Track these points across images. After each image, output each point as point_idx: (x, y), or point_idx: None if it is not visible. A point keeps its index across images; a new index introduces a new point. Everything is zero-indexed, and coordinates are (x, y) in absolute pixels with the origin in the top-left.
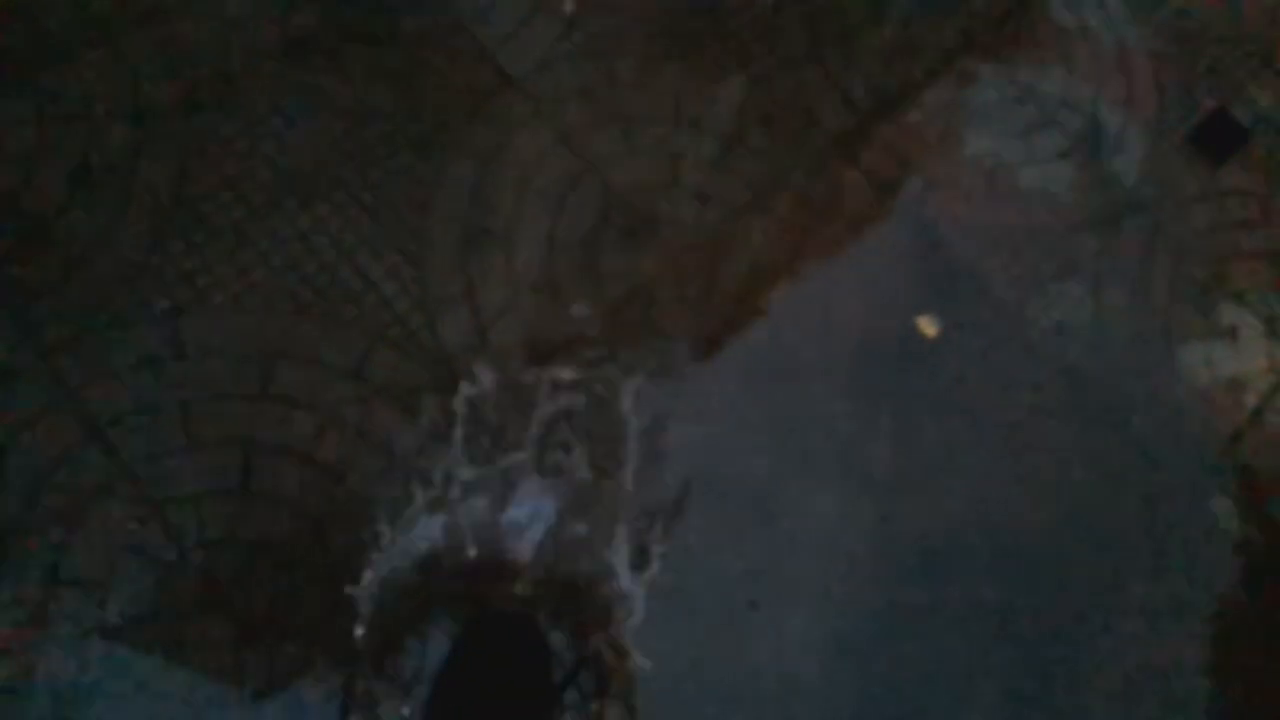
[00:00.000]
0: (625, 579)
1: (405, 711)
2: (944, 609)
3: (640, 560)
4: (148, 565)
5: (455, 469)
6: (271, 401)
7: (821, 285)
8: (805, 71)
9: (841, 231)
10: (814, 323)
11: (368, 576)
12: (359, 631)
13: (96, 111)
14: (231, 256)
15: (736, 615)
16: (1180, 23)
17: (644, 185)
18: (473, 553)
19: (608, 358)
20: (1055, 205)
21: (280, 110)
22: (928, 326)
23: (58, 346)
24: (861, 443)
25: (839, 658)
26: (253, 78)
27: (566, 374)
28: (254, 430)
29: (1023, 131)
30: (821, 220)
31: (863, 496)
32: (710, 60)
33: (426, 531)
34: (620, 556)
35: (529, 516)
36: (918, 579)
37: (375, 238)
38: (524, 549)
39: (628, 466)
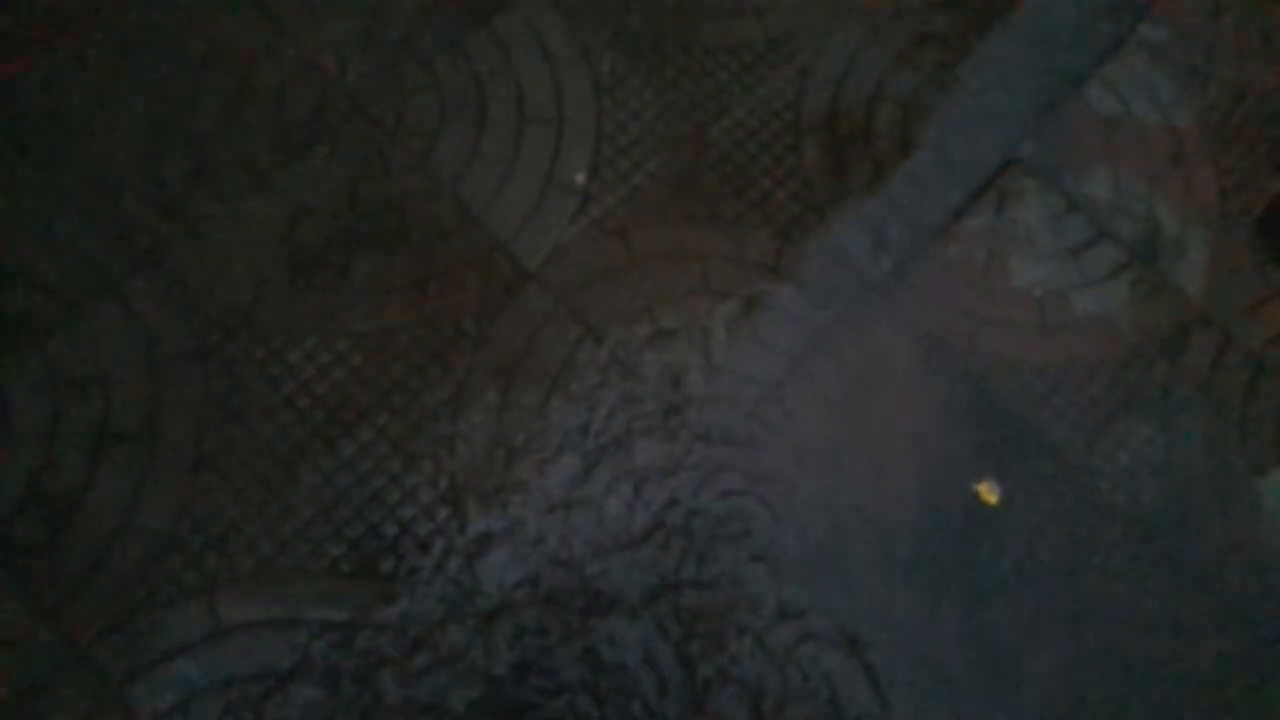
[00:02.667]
0: None
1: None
2: None
3: None
4: None
5: None
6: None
7: (868, 461)
8: (834, 211)
9: (885, 396)
10: (863, 505)
11: None
12: None
13: (112, 370)
14: (260, 513)
15: None
16: (1236, 95)
17: (674, 366)
18: None
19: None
20: (1115, 331)
21: (295, 344)
22: (988, 493)
23: (96, 642)
24: (928, 640)
25: None
26: (264, 309)
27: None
28: None
29: (1073, 249)
30: (861, 384)
31: (933, 703)
32: (738, 214)
33: None
34: None
35: None
36: None
37: (405, 475)
38: None
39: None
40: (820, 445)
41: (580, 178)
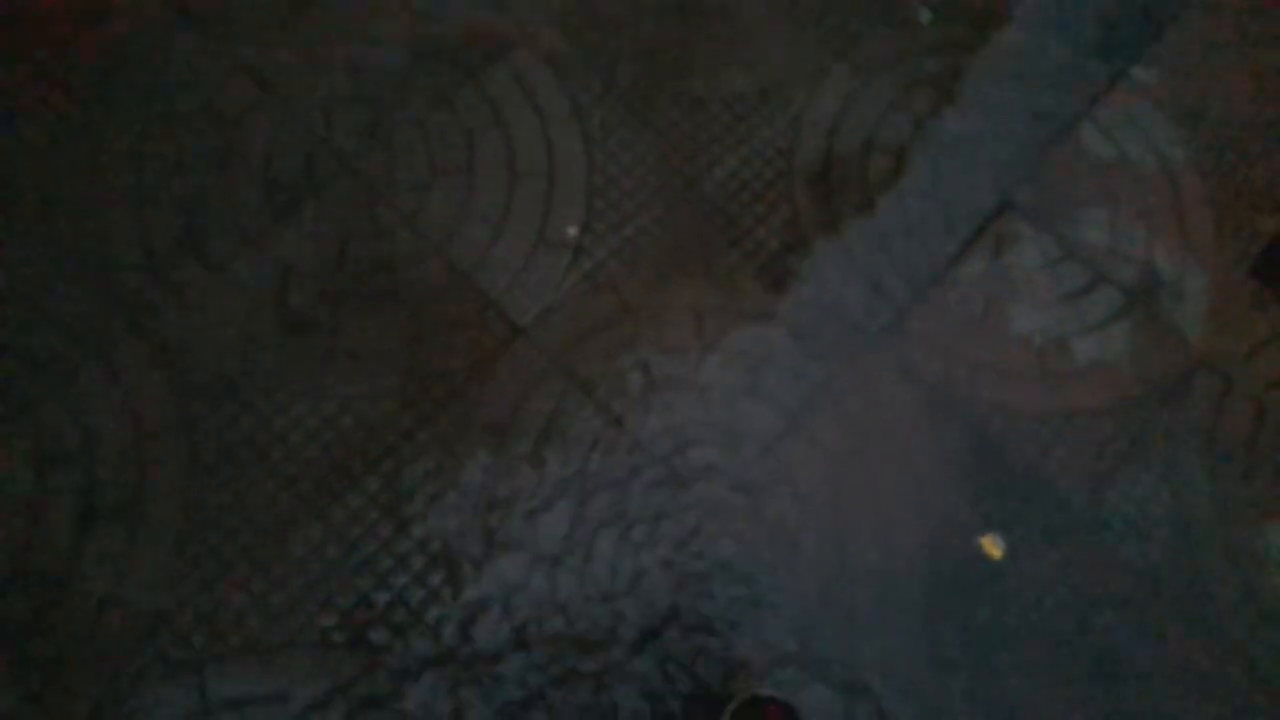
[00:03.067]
0: None
1: None
2: None
3: None
4: None
5: None
6: None
7: (870, 513)
8: (830, 262)
9: (885, 447)
10: (866, 556)
11: None
12: None
13: (99, 441)
14: (249, 586)
15: None
16: (1227, 132)
17: (669, 421)
18: None
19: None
20: (1116, 377)
21: (283, 410)
22: (993, 547)
23: None
24: (934, 693)
25: None
26: (253, 374)
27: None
28: None
29: (1071, 295)
30: (861, 436)
31: None
32: (732, 266)
33: None
34: None
35: None
36: None
37: (396, 541)
38: None
39: None
40: (821, 496)
41: (572, 232)
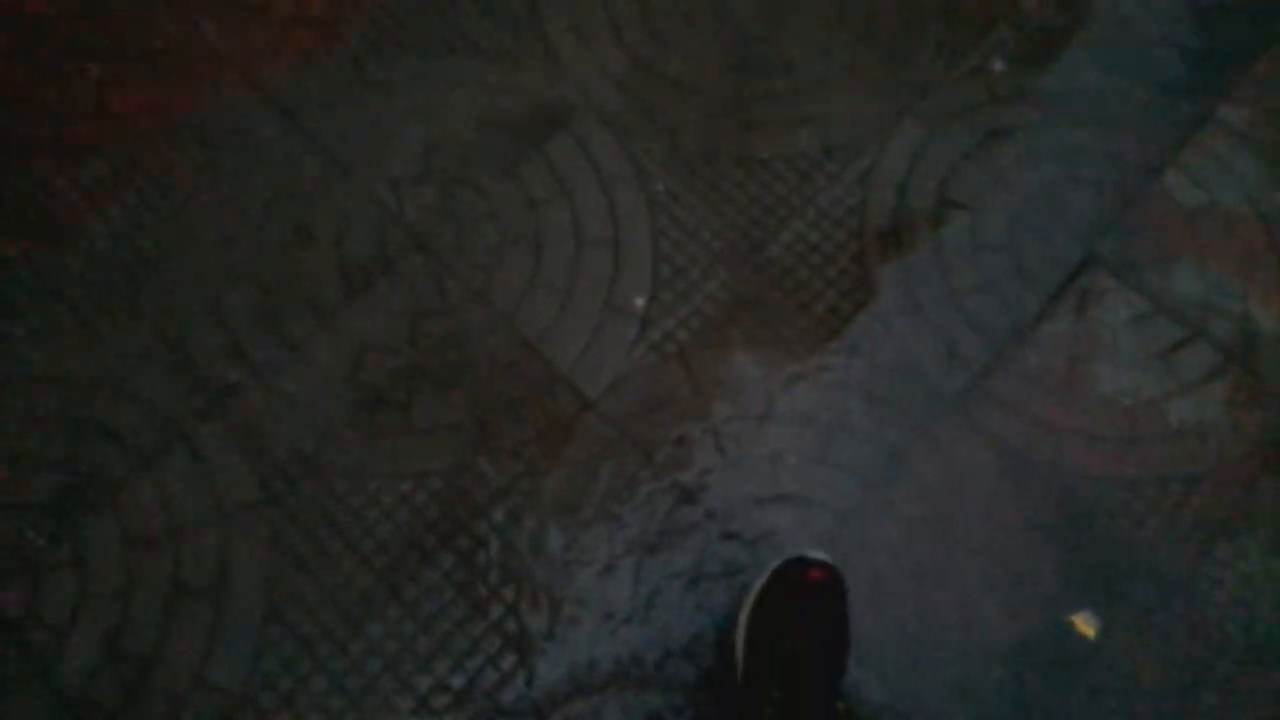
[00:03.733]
0: None
1: None
2: None
3: None
4: None
5: None
6: None
7: (950, 588)
8: (900, 323)
9: (966, 518)
10: (947, 634)
11: None
12: None
13: (184, 522)
14: (328, 667)
15: None
16: None
17: (742, 494)
18: None
19: None
20: (1214, 441)
21: (360, 488)
22: (1085, 625)
23: None
24: None
25: None
26: (329, 452)
27: None
28: None
29: (1162, 353)
30: (940, 506)
31: None
32: (803, 331)
33: None
34: None
35: None
36: None
37: (470, 622)
38: None
39: None
40: (899, 569)
41: (639, 301)
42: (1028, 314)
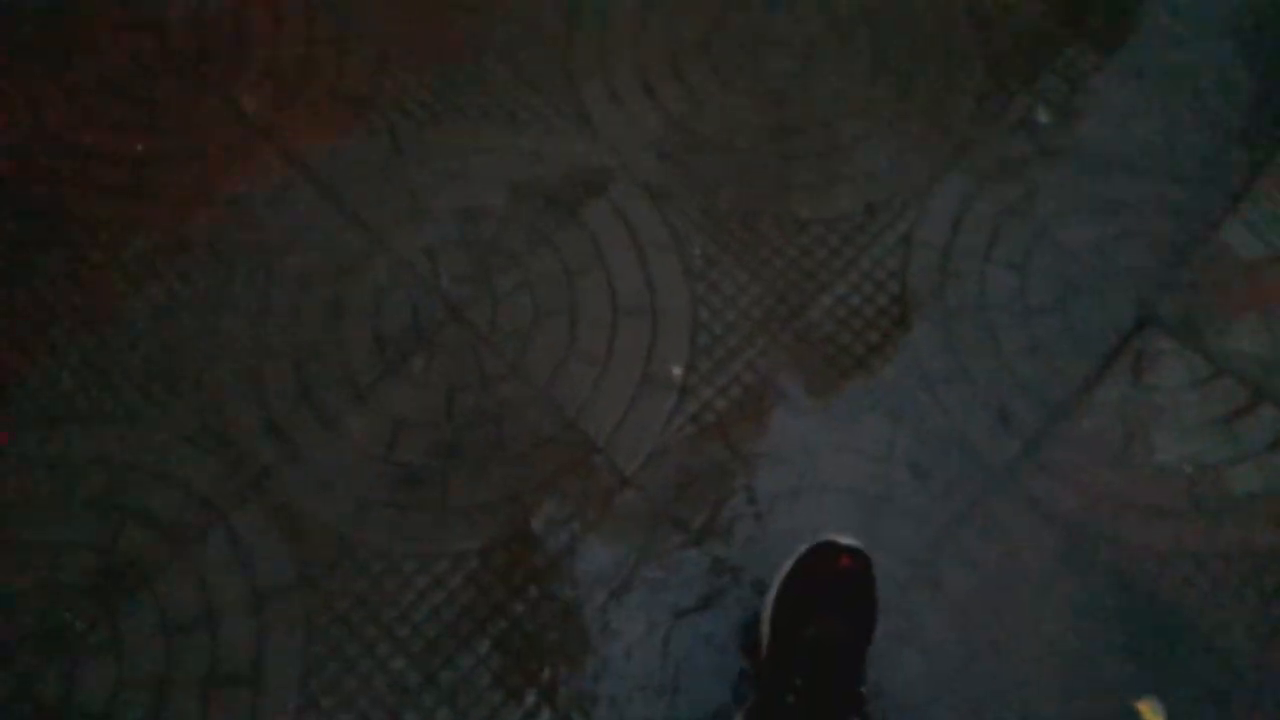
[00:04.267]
0: None
1: None
2: None
3: None
4: None
5: None
6: None
7: (1006, 672)
8: (947, 391)
9: (1021, 597)
10: None
11: None
12: None
13: (221, 606)
14: None
15: None
16: None
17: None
18: None
19: None
20: None
21: (395, 569)
22: (1152, 714)
23: None
24: None
25: None
26: (365, 533)
27: None
28: None
29: (1225, 417)
30: (994, 584)
31: None
32: (846, 399)
33: None
34: None
35: None
36: None
37: (506, 708)
38: None
39: None
40: (949, 652)
41: (676, 371)
42: (1081, 378)
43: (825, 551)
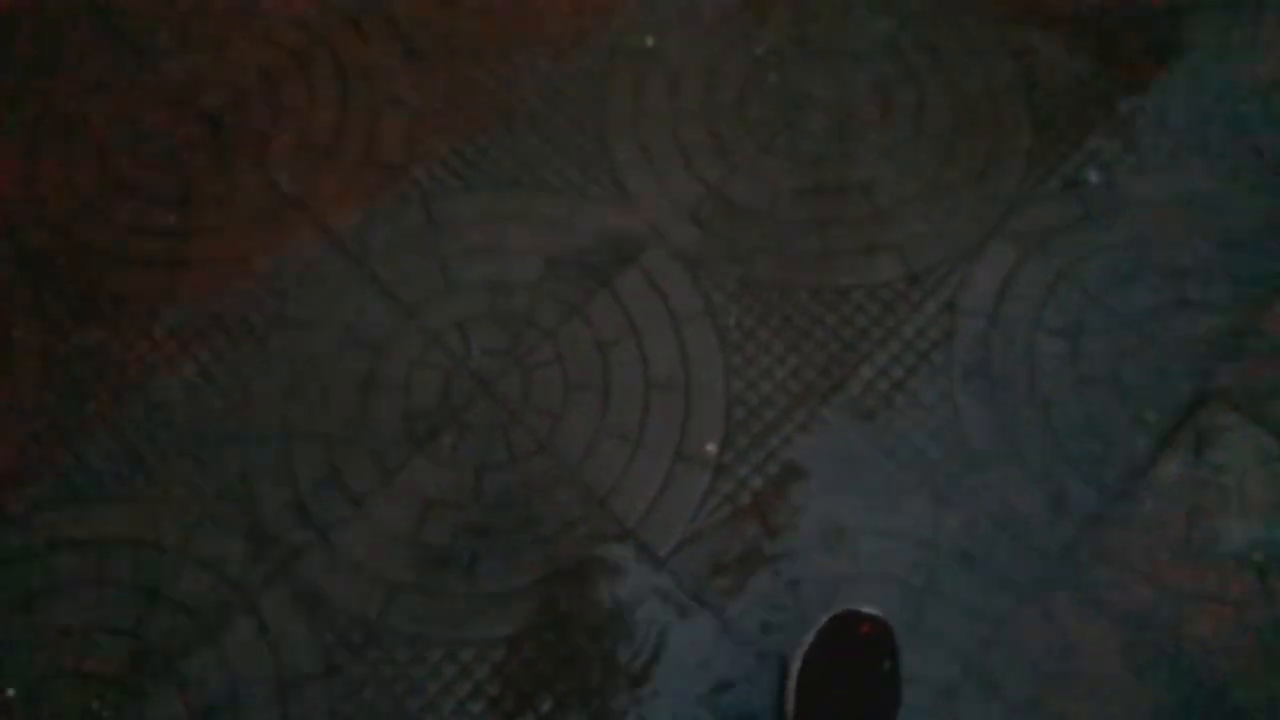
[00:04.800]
0: None
1: None
2: None
3: None
4: None
5: None
6: None
7: None
8: (996, 472)
9: (1080, 697)
10: None
11: None
12: None
13: (247, 691)
14: None
15: None
16: None
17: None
18: None
19: None
20: None
21: (421, 658)
22: None
23: None
24: None
25: None
26: (391, 618)
27: None
28: None
29: None
30: (1050, 684)
31: None
32: (888, 480)
33: None
34: None
35: None
36: None
37: None
38: None
39: None
40: None
41: (710, 447)
42: (1139, 457)
43: (846, 620)
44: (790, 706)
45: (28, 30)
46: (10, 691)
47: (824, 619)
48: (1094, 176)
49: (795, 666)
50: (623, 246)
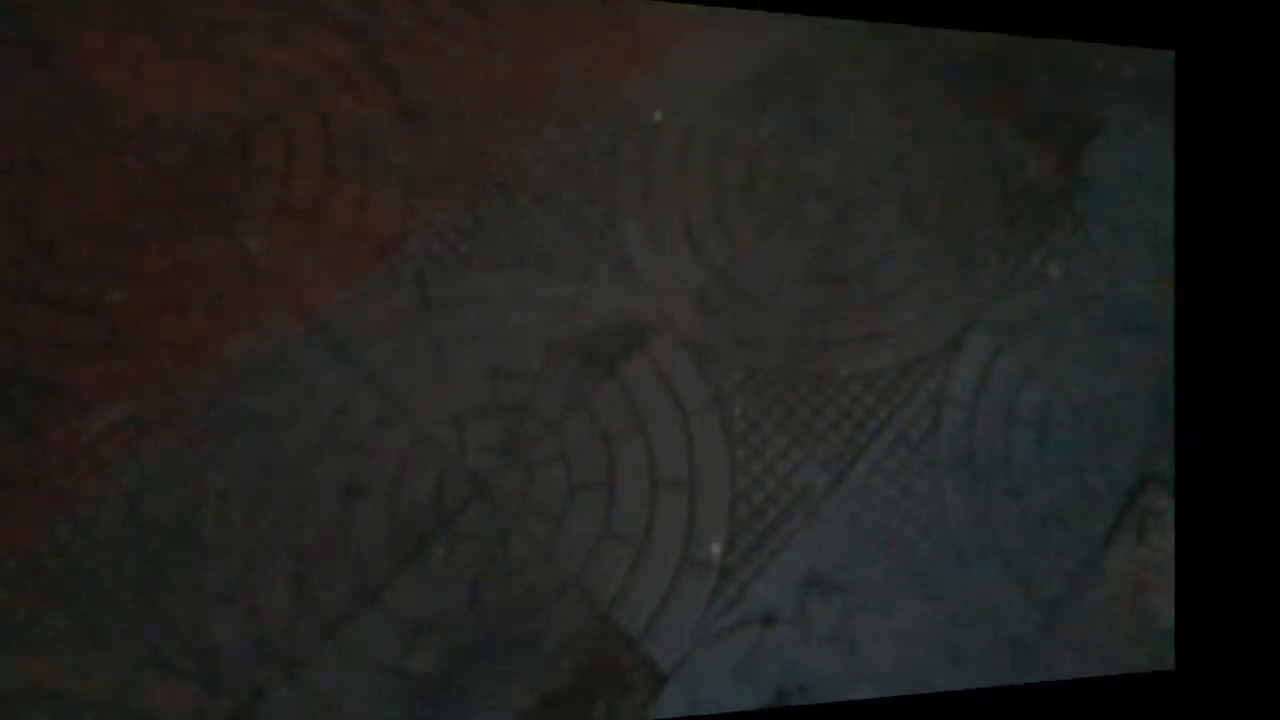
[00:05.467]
0: None
1: None
2: None
3: None
4: None
5: None
6: None
7: None
8: (982, 567)
9: None
10: None
11: None
12: None
13: None
14: None
15: None
16: None
17: None
18: None
19: None
20: None
21: None
22: None
23: None
24: None
25: None
26: None
27: None
28: None
29: None
30: None
31: None
32: (884, 578)
33: None
34: None
35: None
36: None
37: None
38: None
39: None
40: None
41: (715, 548)
42: (1097, 541)
43: None
44: None
45: None
46: None
47: None
48: (1054, 270)
49: None
50: (629, 332)
